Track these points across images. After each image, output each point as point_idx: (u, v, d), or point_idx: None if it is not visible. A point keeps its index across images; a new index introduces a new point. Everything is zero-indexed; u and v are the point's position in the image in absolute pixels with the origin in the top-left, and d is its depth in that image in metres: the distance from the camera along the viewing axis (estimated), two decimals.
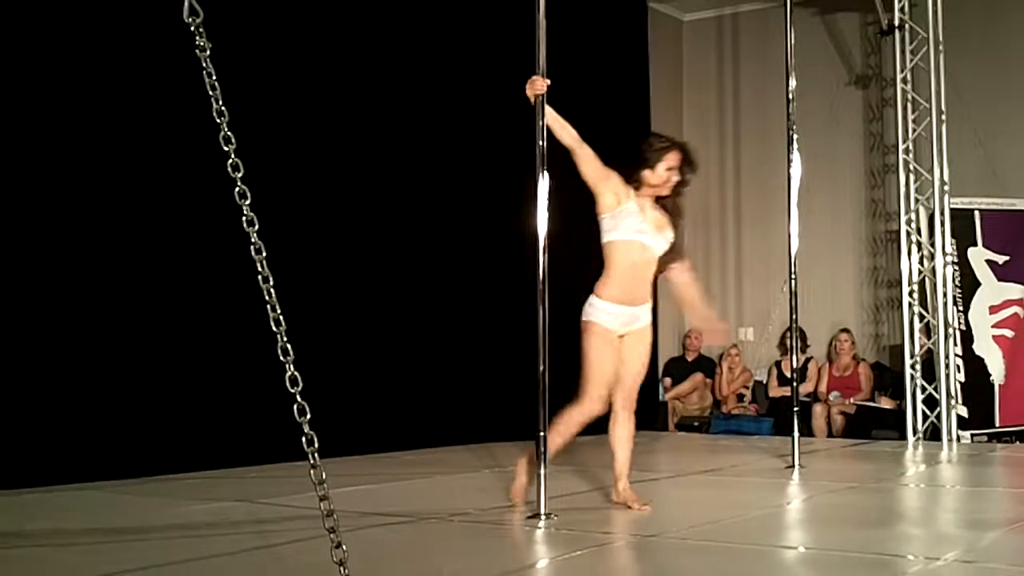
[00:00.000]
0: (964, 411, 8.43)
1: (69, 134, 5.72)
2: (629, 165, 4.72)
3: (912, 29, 8.84)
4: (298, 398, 2.50)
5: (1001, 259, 8.80)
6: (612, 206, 4.64)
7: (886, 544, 3.99)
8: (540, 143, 4.56)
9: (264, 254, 2.55)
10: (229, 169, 2.56)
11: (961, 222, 8.68)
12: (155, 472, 5.80)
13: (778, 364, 9.75)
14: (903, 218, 8.68)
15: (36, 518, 4.59)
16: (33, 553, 3.80)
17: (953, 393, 8.37)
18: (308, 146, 6.92)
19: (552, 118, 4.61)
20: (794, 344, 6.86)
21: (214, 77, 2.59)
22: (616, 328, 4.63)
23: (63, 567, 3.57)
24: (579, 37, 8.70)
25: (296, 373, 2.51)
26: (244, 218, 2.55)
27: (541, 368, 4.49)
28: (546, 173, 4.58)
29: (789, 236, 6.73)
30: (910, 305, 8.62)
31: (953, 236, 8.57)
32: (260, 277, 2.55)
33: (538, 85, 4.56)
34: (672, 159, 4.68)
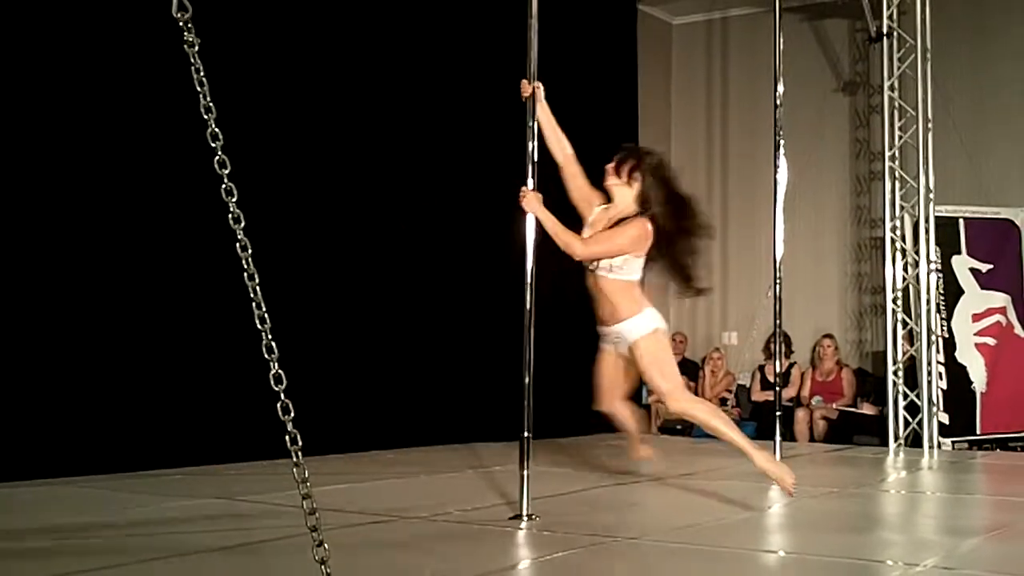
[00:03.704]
0: (945, 418, 8.47)
1: (58, 130, 5.70)
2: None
3: (900, 36, 8.88)
4: (282, 396, 2.50)
5: (985, 267, 8.84)
6: None
7: (866, 549, 4.01)
8: (530, 144, 4.58)
9: (250, 251, 2.55)
10: (216, 166, 2.55)
11: (945, 230, 8.71)
12: (136, 468, 5.78)
13: (761, 368, 9.77)
14: (888, 225, 8.72)
15: (14, 512, 4.57)
16: (9, 548, 3.79)
17: (935, 400, 8.40)
18: (295, 143, 6.90)
19: (551, 128, 4.70)
20: (778, 349, 6.87)
21: (202, 73, 2.59)
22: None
23: (39, 563, 3.55)
24: (568, 38, 8.70)
25: (280, 371, 2.51)
26: (231, 215, 2.55)
27: (526, 369, 4.50)
28: (535, 174, 4.60)
29: (774, 241, 6.75)
30: (893, 312, 8.66)
31: (937, 244, 8.61)
32: (246, 274, 2.54)
33: (526, 88, 4.63)
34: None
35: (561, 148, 4.83)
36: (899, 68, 8.88)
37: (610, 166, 4.82)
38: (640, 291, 4.80)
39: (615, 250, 4.66)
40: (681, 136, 10.94)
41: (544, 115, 4.73)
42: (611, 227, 4.73)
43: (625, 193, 4.78)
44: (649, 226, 4.69)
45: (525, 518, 4.38)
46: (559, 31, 7.71)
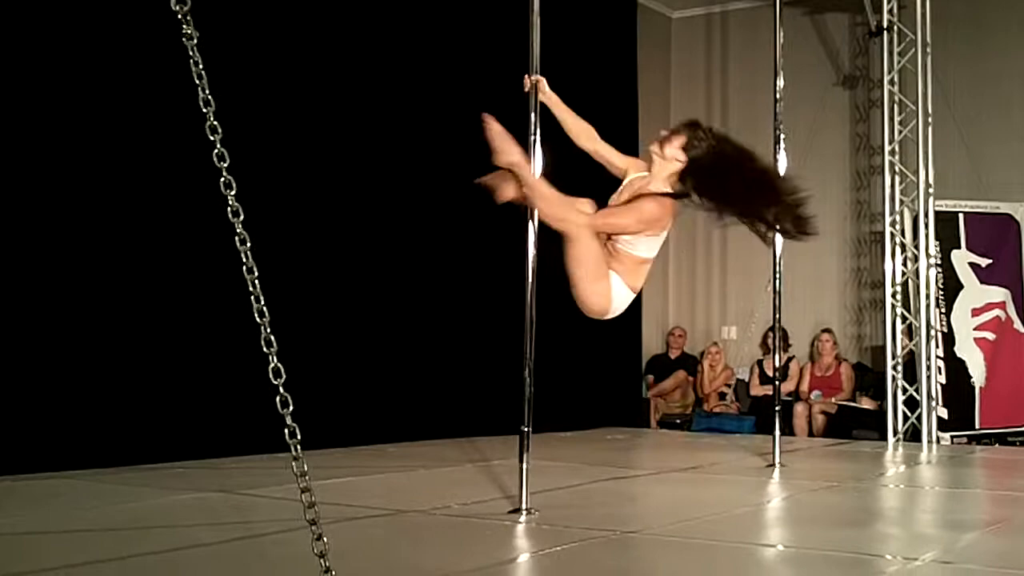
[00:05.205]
0: (944, 413, 8.48)
1: (56, 124, 5.68)
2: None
3: (900, 31, 8.87)
4: (281, 390, 2.49)
5: (984, 262, 8.84)
6: None
7: (864, 544, 4.01)
8: (532, 138, 4.58)
9: (249, 245, 2.54)
10: (215, 159, 2.55)
11: (945, 224, 8.72)
12: (136, 461, 5.78)
13: (760, 363, 9.78)
14: (887, 219, 8.72)
15: (15, 506, 4.57)
16: (7, 541, 3.79)
17: (934, 395, 8.41)
18: (295, 137, 6.90)
19: (570, 116, 4.57)
20: (777, 343, 6.87)
21: (201, 66, 2.58)
22: None
23: (39, 556, 3.56)
24: (568, 32, 8.68)
25: (279, 364, 2.51)
26: (229, 208, 2.54)
27: (526, 362, 4.50)
28: (537, 168, 4.59)
29: (774, 235, 6.73)
30: (893, 306, 8.65)
31: (937, 238, 8.61)
32: (244, 268, 2.54)
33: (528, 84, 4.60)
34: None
35: (588, 135, 4.52)
36: (899, 62, 8.87)
37: (660, 136, 4.33)
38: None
39: (618, 228, 4.19)
40: None
41: (558, 108, 4.57)
42: (628, 201, 4.27)
43: (660, 168, 4.29)
44: (668, 206, 4.23)
45: (524, 512, 4.38)
46: (559, 25, 7.71)
